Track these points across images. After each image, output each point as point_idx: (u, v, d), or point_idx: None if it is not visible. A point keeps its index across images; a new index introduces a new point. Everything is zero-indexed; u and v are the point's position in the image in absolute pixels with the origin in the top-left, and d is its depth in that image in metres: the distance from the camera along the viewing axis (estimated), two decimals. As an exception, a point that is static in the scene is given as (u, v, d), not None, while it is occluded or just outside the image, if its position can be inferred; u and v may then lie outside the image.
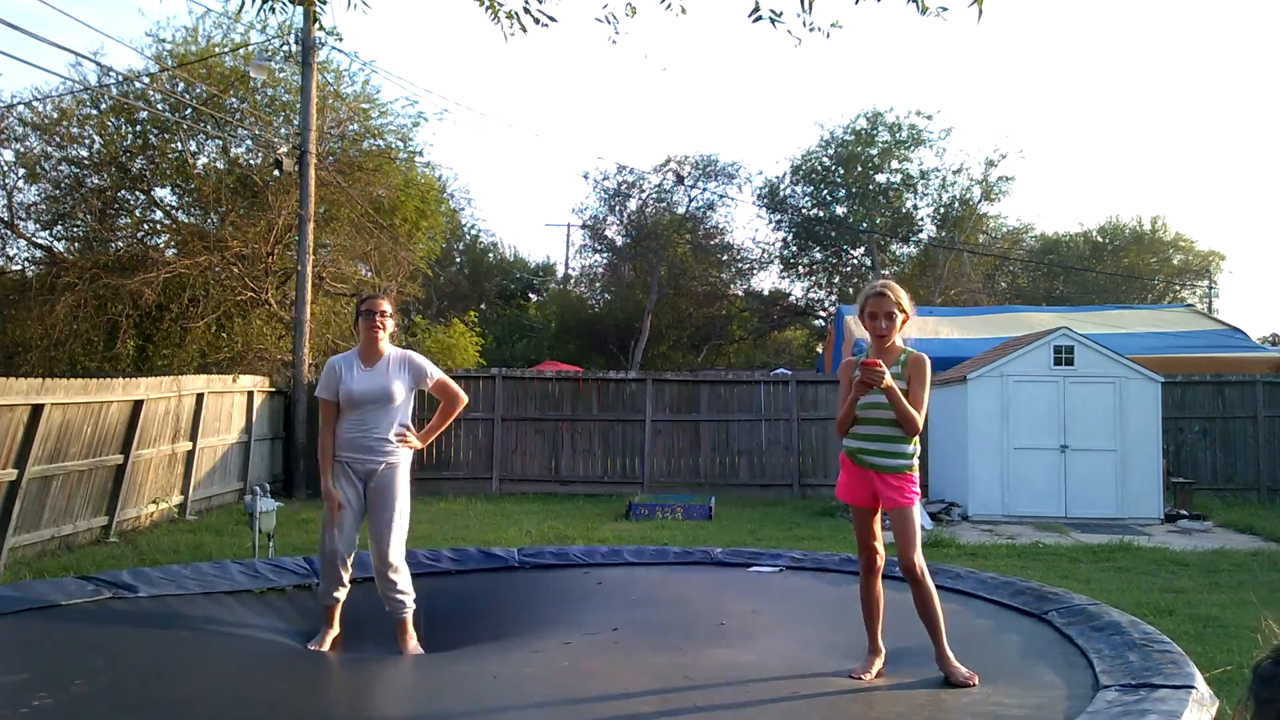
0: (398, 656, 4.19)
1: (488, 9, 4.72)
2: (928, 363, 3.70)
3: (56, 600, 4.39)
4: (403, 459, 4.62)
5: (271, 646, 4.23)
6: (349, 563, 4.57)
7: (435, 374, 4.75)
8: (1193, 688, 2.75)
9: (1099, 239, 34.00)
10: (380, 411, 4.55)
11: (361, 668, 3.98)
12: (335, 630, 4.59)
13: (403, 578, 4.53)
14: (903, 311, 3.70)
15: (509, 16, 4.75)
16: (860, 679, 3.45)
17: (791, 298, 32.75)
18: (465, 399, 4.83)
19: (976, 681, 3.26)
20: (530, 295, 35.11)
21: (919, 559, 3.51)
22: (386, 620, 4.49)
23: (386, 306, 4.69)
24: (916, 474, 3.66)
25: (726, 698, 3.20)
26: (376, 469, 4.55)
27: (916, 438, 3.65)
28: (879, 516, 3.73)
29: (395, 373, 4.63)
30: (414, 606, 4.55)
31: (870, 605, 3.64)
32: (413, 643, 4.52)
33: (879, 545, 3.70)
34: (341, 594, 4.55)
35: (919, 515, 3.65)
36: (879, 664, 3.55)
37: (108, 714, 3.01)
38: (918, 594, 3.52)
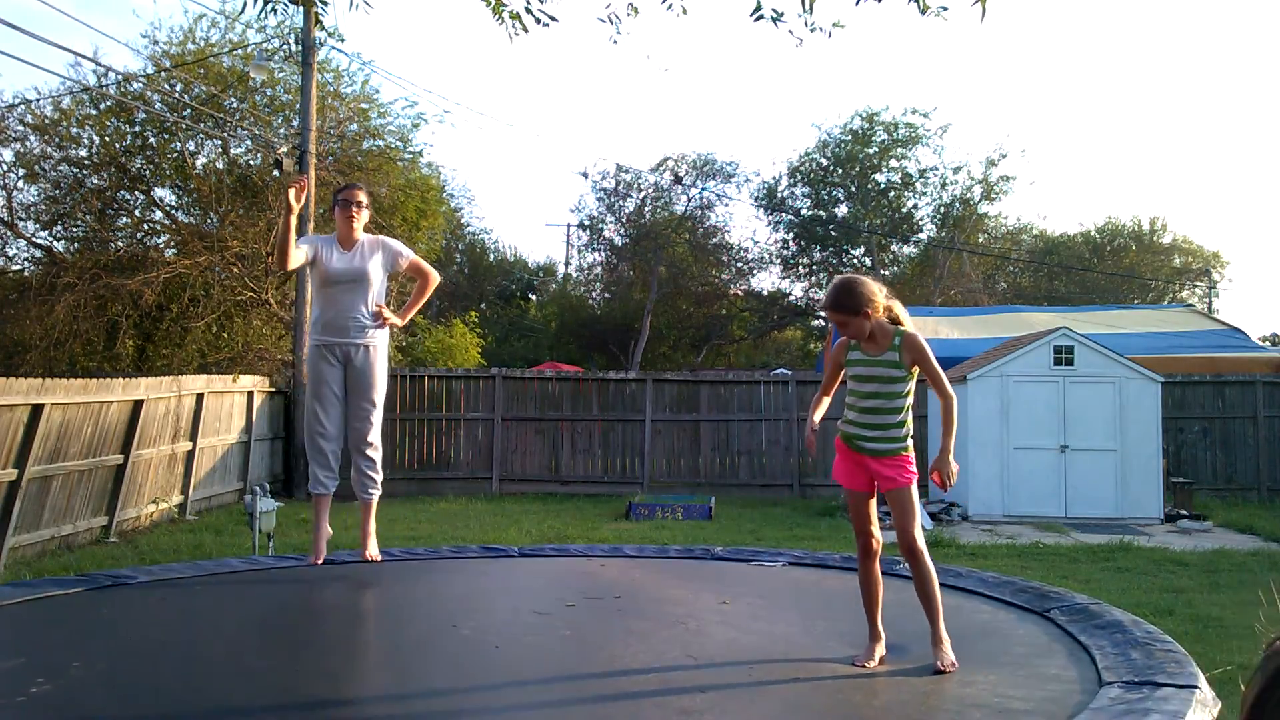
0: (398, 621, 4.15)
1: (493, 10, 4.72)
2: (921, 338, 3.61)
3: (53, 590, 4.40)
4: (380, 340, 4.81)
5: (272, 621, 4.23)
6: (336, 445, 4.75)
7: (408, 255, 4.93)
8: (1196, 688, 2.75)
9: (1099, 239, 34.02)
10: (356, 292, 4.71)
11: (362, 634, 3.97)
12: (328, 531, 4.77)
13: (377, 459, 4.78)
14: (859, 313, 3.56)
15: (512, 17, 4.75)
16: (863, 666, 3.40)
17: (791, 298, 32.76)
18: (438, 277, 5.05)
19: (954, 669, 3.27)
20: (530, 295, 35.11)
21: (919, 536, 3.50)
22: (391, 594, 4.46)
23: (362, 196, 4.86)
24: (913, 454, 3.61)
25: (727, 678, 3.21)
26: (355, 350, 4.72)
27: (911, 419, 3.62)
28: (875, 500, 3.68)
29: (370, 254, 4.79)
30: (380, 490, 4.81)
31: (869, 590, 3.60)
32: (373, 530, 4.79)
33: (875, 530, 3.65)
34: (331, 482, 4.73)
35: (917, 494, 3.61)
36: (880, 650, 3.50)
37: (106, 699, 3.01)
38: (917, 572, 3.49)
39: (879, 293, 3.58)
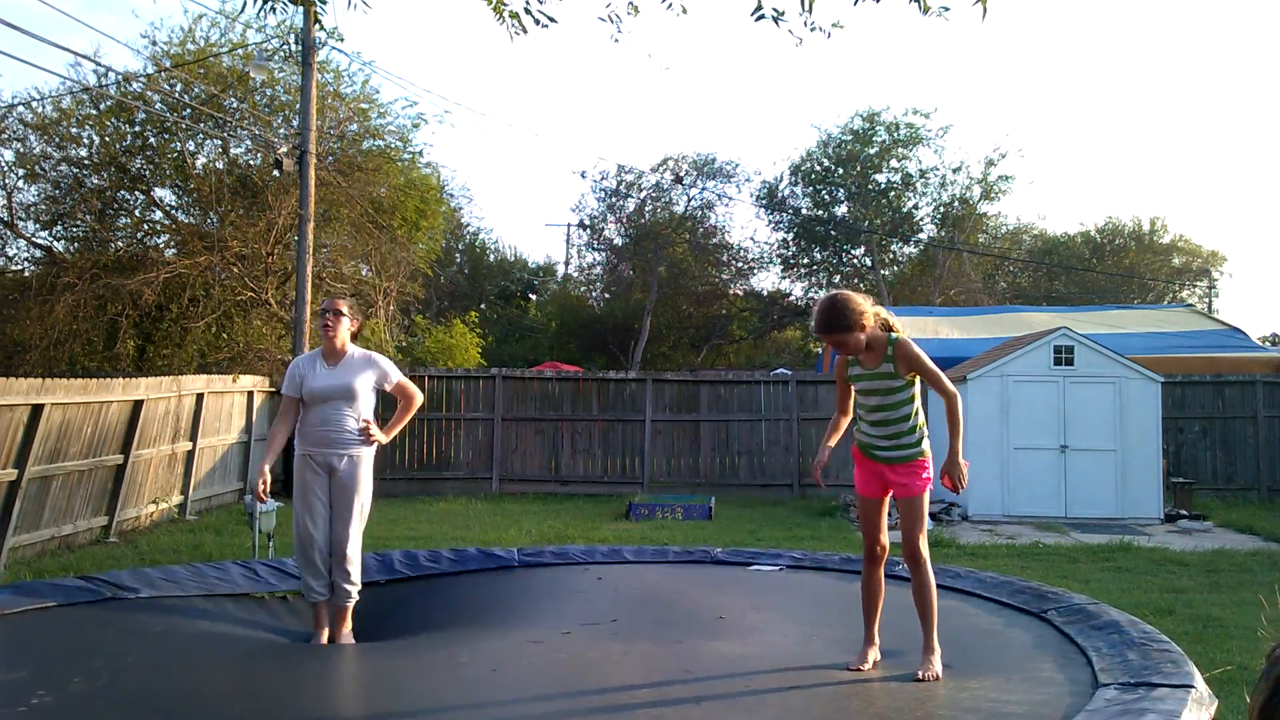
0: (398, 650, 4.17)
1: (493, 9, 4.72)
2: (912, 343, 3.64)
3: (56, 600, 4.40)
4: (365, 453, 4.79)
5: (271, 645, 4.23)
6: (326, 554, 4.70)
7: (395, 376, 4.93)
8: (1192, 687, 2.75)
9: (1099, 239, 34.00)
10: (342, 407, 4.71)
11: (361, 662, 3.98)
12: (327, 630, 4.70)
13: (355, 569, 4.74)
14: (853, 329, 3.57)
15: (511, 16, 4.75)
16: (858, 670, 3.45)
17: (791, 298, 32.75)
18: (421, 398, 5.07)
19: (937, 680, 3.26)
20: (530, 295, 35.10)
21: (923, 545, 3.54)
22: (390, 617, 4.49)
23: (342, 307, 4.85)
24: (929, 456, 3.63)
25: (725, 690, 3.21)
26: (340, 462, 4.72)
27: (922, 420, 3.63)
28: (887, 506, 3.74)
29: (358, 370, 4.79)
30: (358, 599, 4.75)
31: (870, 595, 3.63)
32: (347, 630, 4.71)
33: (884, 536, 3.69)
34: (324, 588, 4.69)
35: (928, 503, 3.66)
36: (874, 654, 3.54)
37: (106, 712, 3.02)
38: (917, 580, 3.52)
39: (867, 304, 3.61)
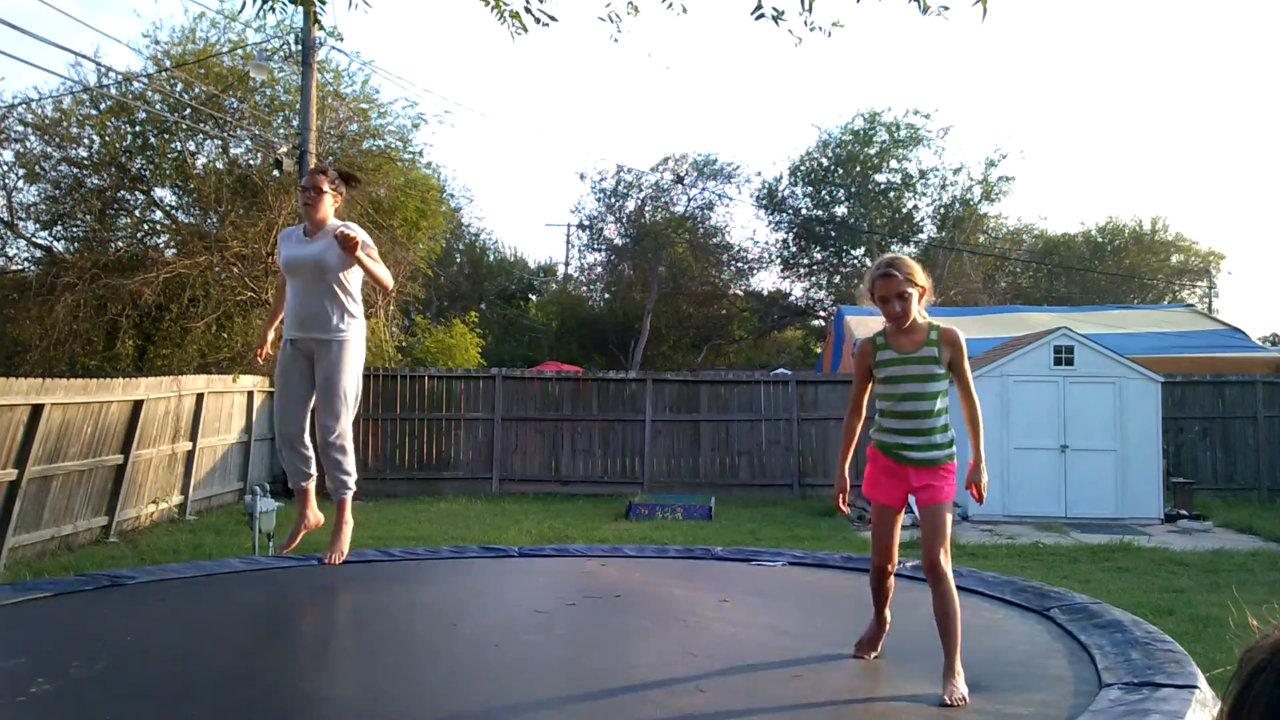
0: (402, 632, 4.12)
1: (493, 9, 4.72)
2: (963, 337, 3.31)
3: (53, 590, 4.40)
4: (351, 335, 4.52)
5: (273, 625, 4.22)
6: (306, 440, 4.59)
7: (370, 243, 4.54)
8: (1196, 688, 2.75)
9: (1099, 239, 34.02)
10: (318, 281, 4.43)
11: (363, 644, 3.96)
12: (313, 518, 4.65)
13: (348, 457, 4.57)
14: (917, 286, 3.24)
15: (512, 16, 4.75)
16: (864, 658, 3.33)
17: (791, 298, 32.77)
18: (392, 284, 4.92)
19: (964, 704, 2.92)
20: (530, 295, 35.11)
21: (945, 558, 3.19)
22: (390, 594, 4.44)
23: (323, 184, 4.58)
24: (955, 461, 3.32)
25: (729, 677, 3.21)
26: (319, 345, 4.48)
27: (948, 419, 3.31)
28: (902, 515, 3.42)
29: (326, 239, 4.45)
30: (354, 488, 4.66)
31: (881, 593, 3.40)
32: (348, 518, 4.64)
33: (896, 549, 3.40)
34: (308, 478, 4.60)
35: (952, 511, 3.34)
36: (881, 638, 3.37)
37: (106, 699, 3.02)
38: (938, 594, 3.17)
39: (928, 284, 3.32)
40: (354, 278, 4.57)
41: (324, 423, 4.53)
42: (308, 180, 4.63)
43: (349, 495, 4.67)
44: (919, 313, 3.27)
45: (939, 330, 3.27)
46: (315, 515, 4.77)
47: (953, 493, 3.27)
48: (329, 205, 4.59)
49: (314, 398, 4.59)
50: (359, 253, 4.28)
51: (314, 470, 4.66)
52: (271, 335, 4.84)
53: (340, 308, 4.50)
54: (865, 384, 3.39)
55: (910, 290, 3.21)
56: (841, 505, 3.42)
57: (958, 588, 3.89)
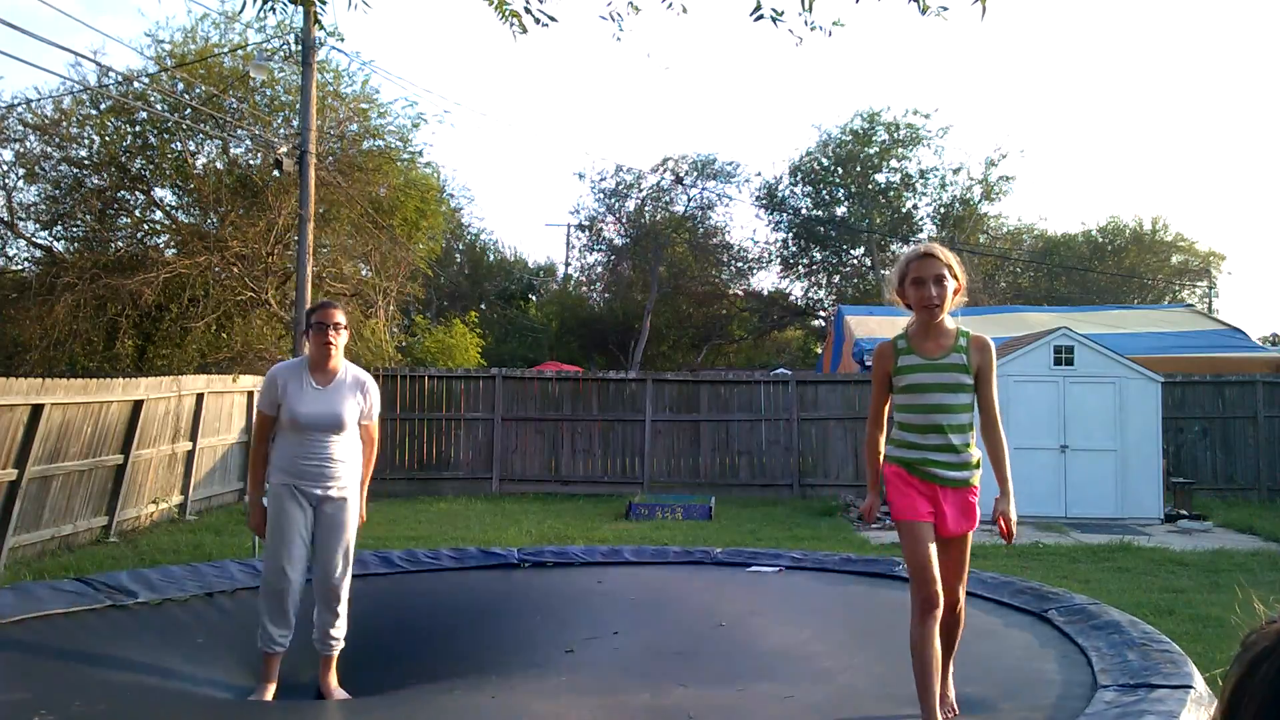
0: (400, 657, 4.16)
1: (496, 8, 4.72)
2: (994, 349, 3.02)
3: (56, 608, 4.38)
4: (354, 488, 4.22)
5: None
6: (297, 599, 4.11)
7: (375, 413, 4.31)
8: (1191, 687, 2.75)
9: (1099, 239, 34.00)
10: (329, 440, 4.10)
11: (364, 655, 3.97)
12: (274, 685, 4.06)
13: (343, 614, 4.19)
14: (955, 278, 2.94)
15: (512, 15, 4.75)
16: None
17: (791, 298, 32.76)
18: (375, 449, 4.45)
19: (954, 714, 2.88)
20: (530, 295, 35.11)
21: (963, 591, 2.96)
22: (395, 608, 4.39)
23: (340, 317, 4.18)
24: (979, 482, 3.03)
25: (726, 684, 3.21)
26: (326, 500, 4.13)
27: (975, 433, 3.01)
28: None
29: (348, 396, 4.14)
30: (343, 644, 4.19)
31: (931, 660, 2.79)
32: (335, 683, 4.16)
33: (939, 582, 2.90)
34: (286, 638, 4.07)
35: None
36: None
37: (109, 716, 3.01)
38: (953, 624, 2.96)
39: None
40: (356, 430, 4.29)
41: (329, 576, 4.15)
42: (326, 315, 4.14)
43: (337, 651, 4.18)
44: (947, 314, 2.96)
45: (969, 336, 2.98)
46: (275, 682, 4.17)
47: (976, 519, 3.01)
48: (343, 342, 4.20)
49: (308, 547, 4.18)
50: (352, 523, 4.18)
51: (291, 631, 4.10)
52: (262, 502, 4.28)
53: (345, 460, 4.17)
54: (886, 392, 3.02)
55: (948, 276, 2.90)
56: (871, 519, 3.10)
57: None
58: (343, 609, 4.18)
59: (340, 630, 4.18)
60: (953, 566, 2.95)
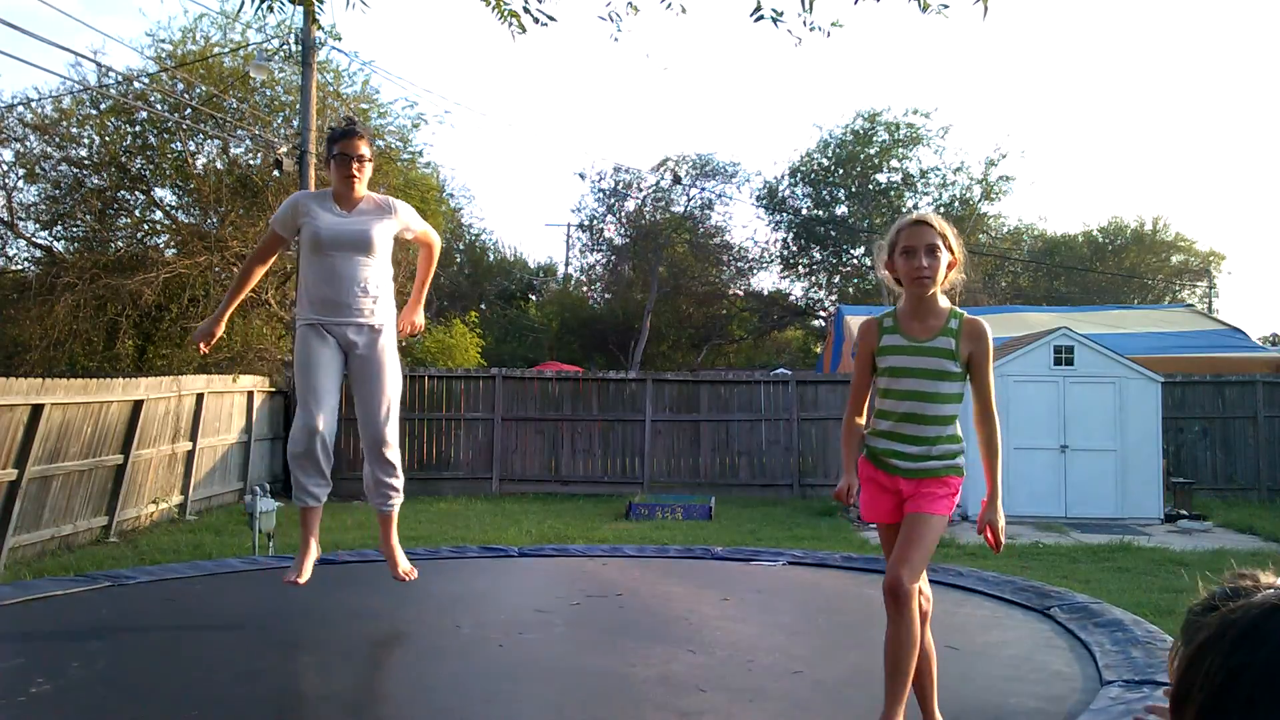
0: (403, 633, 4.11)
1: (494, 9, 4.72)
2: (989, 331, 2.71)
3: (53, 590, 4.40)
4: (390, 319, 3.95)
5: (273, 623, 4.22)
6: (330, 447, 3.82)
7: (418, 223, 4.08)
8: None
9: (1100, 239, 34.02)
10: (358, 262, 3.81)
11: (363, 645, 3.96)
12: (315, 551, 3.95)
13: (398, 463, 3.94)
14: (950, 250, 2.64)
15: (511, 15, 4.75)
16: None
17: (791, 298, 32.76)
18: (440, 244, 4.27)
19: None
20: (530, 295, 35.11)
21: (912, 583, 2.54)
22: (391, 594, 4.34)
23: (365, 149, 3.89)
24: (962, 477, 2.74)
25: (729, 676, 3.22)
26: (359, 335, 3.83)
27: (958, 429, 2.72)
28: None
29: (376, 216, 3.88)
30: (402, 498, 4.03)
31: (916, 664, 2.56)
32: (397, 547, 4.03)
33: (926, 586, 2.69)
34: (324, 491, 3.86)
35: (940, 532, 2.69)
36: None
37: (106, 698, 3.02)
38: (894, 627, 2.54)
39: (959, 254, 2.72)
40: (389, 259, 4.06)
41: (371, 424, 3.88)
42: (347, 146, 3.86)
43: (397, 507, 4.03)
44: (941, 292, 2.67)
45: (962, 319, 2.67)
46: (316, 548, 4.07)
47: (948, 510, 2.67)
48: (368, 175, 3.99)
49: (339, 394, 3.95)
50: (420, 323, 4.05)
51: (328, 483, 3.95)
52: (225, 319, 4.08)
53: (377, 290, 3.90)
54: (869, 373, 2.75)
55: (941, 247, 2.61)
56: (846, 500, 2.74)
57: (959, 586, 3.82)
58: (395, 456, 3.90)
59: (397, 481, 3.93)
60: (904, 542, 2.59)
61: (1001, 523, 2.70)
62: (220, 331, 4.10)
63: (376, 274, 3.88)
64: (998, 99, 53.93)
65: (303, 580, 3.93)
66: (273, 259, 4.16)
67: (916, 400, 2.65)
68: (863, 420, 2.78)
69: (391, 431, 3.90)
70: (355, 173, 3.83)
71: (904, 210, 31.00)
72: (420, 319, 4.15)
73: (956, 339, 2.65)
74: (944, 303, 2.69)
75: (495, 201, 55.22)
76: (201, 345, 4.09)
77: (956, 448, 2.70)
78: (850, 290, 30.94)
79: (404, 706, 3.09)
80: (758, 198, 31.59)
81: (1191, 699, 0.92)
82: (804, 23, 4.74)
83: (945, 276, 2.67)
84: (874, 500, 2.74)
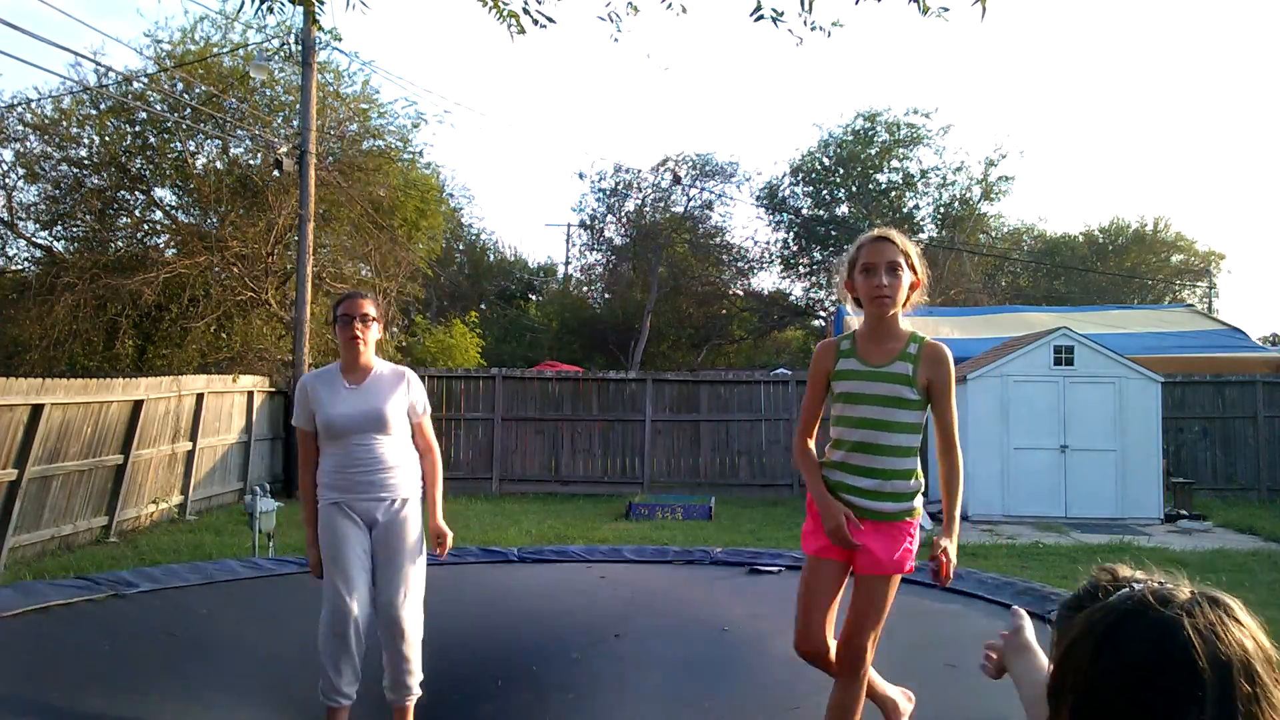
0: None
1: (492, 9, 4.72)
2: (950, 357, 2.55)
3: (55, 599, 4.39)
4: (413, 494, 3.63)
5: (275, 629, 4.22)
6: (363, 640, 3.43)
7: (423, 408, 3.73)
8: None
9: (1100, 239, 34.00)
10: (376, 439, 3.55)
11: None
12: None
13: (415, 647, 3.48)
14: (911, 269, 2.51)
15: (510, 15, 4.75)
16: None
17: (791, 298, 32.75)
18: (439, 456, 3.81)
19: None
20: (530, 295, 35.10)
21: (871, 649, 2.45)
22: None
23: (369, 309, 3.65)
24: (919, 520, 2.59)
25: (730, 682, 3.21)
26: (382, 511, 3.53)
27: (916, 463, 2.57)
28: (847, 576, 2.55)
29: (388, 390, 3.62)
30: (420, 692, 3.48)
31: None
32: None
33: (830, 632, 2.49)
34: (352, 688, 3.41)
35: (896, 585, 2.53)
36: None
37: (107, 698, 3.02)
38: (842, 694, 2.46)
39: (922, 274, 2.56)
40: (408, 429, 3.73)
41: (391, 606, 3.45)
42: (350, 308, 3.62)
43: (413, 701, 3.47)
44: (901, 315, 2.53)
45: (922, 343, 2.51)
46: None
47: (909, 559, 2.50)
48: (375, 338, 3.68)
49: (369, 575, 3.54)
50: (448, 548, 3.52)
51: (358, 677, 3.44)
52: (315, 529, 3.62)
53: (399, 465, 3.61)
54: (821, 395, 2.60)
55: (903, 266, 2.47)
56: (851, 530, 2.46)
57: (959, 591, 3.81)
58: (413, 647, 3.46)
59: (414, 674, 3.46)
60: (859, 607, 2.46)
61: (954, 554, 2.48)
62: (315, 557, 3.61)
63: (396, 446, 3.60)
64: (997, 99, 53.94)
65: None
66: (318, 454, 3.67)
67: (870, 429, 2.50)
68: (812, 443, 2.61)
69: (411, 618, 3.47)
70: (358, 333, 3.58)
71: (904, 211, 31.02)
72: (446, 530, 3.63)
73: (915, 364, 2.49)
74: (905, 325, 2.54)
75: (495, 201, 55.29)
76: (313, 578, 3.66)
77: (913, 486, 2.53)
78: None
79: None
80: (758, 198, 31.60)
81: (1064, 697, 0.99)
82: (804, 22, 4.74)
83: (907, 298, 2.52)
84: (819, 532, 2.57)
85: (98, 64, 15.07)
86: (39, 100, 15.79)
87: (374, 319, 3.63)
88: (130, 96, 15.66)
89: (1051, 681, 1.04)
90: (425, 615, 3.45)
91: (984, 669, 1.88)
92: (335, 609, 3.39)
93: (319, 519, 3.54)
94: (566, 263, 35.26)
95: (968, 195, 30.80)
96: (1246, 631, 1.01)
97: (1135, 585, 1.07)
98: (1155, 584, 1.08)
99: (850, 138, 30.44)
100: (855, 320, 2.64)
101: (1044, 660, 1.55)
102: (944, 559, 2.43)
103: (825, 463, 2.60)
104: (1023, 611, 1.89)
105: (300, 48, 13.88)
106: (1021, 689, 1.53)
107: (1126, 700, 0.95)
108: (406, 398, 3.63)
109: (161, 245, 16.59)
